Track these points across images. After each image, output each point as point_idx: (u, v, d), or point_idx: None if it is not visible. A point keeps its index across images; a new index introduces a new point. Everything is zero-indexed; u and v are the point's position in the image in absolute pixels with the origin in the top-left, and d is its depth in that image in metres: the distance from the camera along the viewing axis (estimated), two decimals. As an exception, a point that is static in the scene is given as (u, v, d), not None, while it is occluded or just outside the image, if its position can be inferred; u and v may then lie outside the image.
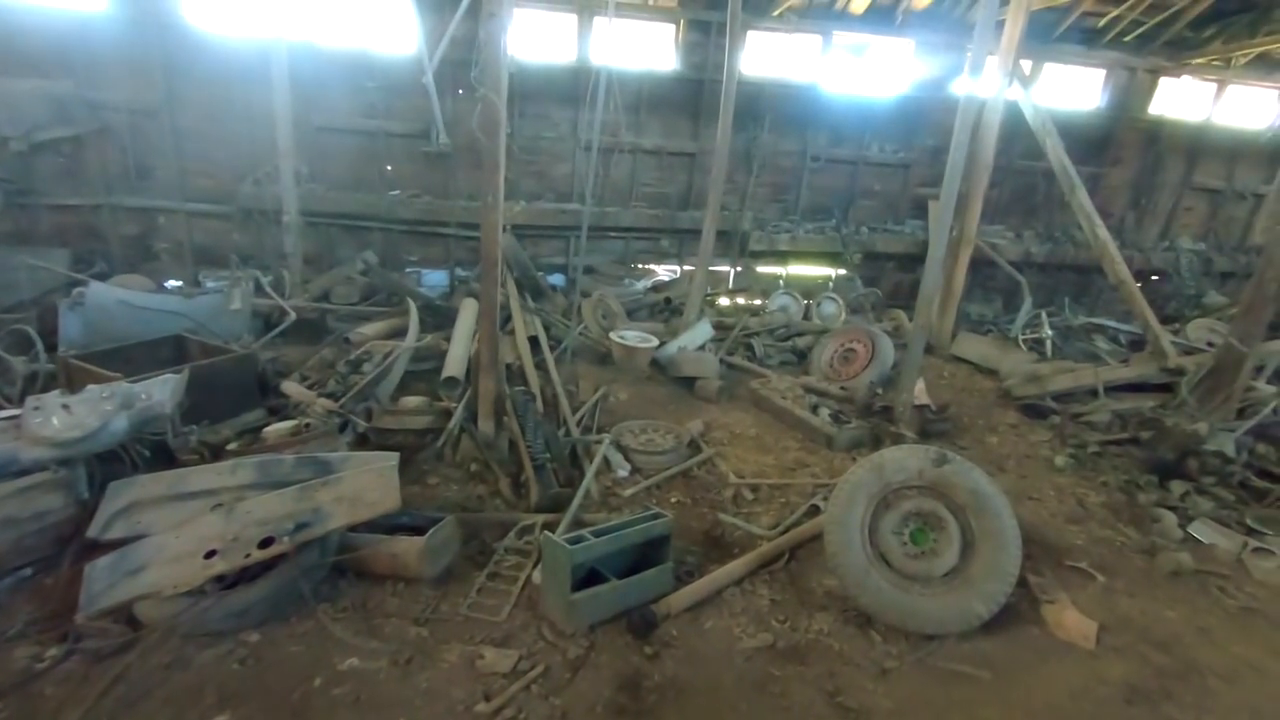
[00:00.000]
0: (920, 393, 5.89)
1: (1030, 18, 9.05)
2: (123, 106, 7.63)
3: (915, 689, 3.00)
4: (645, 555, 3.51)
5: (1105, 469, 5.44)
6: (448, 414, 4.90)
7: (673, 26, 8.66)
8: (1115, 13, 8.86)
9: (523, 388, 5.52)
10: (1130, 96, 10.19)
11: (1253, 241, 11.25)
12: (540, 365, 6.24)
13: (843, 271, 10.05)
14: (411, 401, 4.96)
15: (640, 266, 9.70)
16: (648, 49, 8.83)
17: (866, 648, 3.24)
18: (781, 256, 9.77)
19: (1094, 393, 6.63)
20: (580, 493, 4.19)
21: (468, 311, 6.76)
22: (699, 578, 3.57)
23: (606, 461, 4.76)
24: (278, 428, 4.19)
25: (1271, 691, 3.18)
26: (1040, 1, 7.82)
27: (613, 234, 9.29)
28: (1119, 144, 10.45)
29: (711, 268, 9.98)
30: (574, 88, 8.66)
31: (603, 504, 4.40)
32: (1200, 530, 4.57)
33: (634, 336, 6.70)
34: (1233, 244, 11.24)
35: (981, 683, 3.07)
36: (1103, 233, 7.56)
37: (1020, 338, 8.12)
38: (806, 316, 8.54)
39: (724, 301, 8.99)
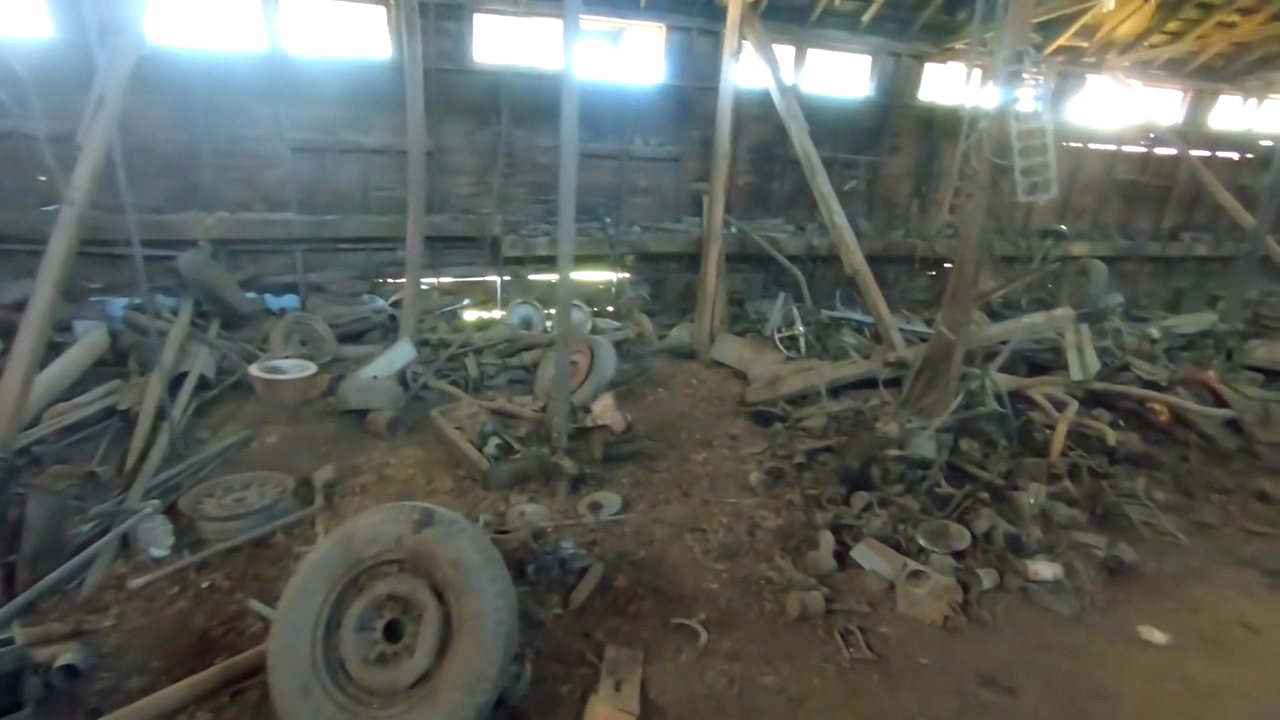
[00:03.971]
0: (604, 411, 5.08)
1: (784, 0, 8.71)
2: None
3: None
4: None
5: (803, 483, 4.80)
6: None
7: (383, 9, 7.63)
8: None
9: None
10: (898, 83, 9.99)
11: (1033, 225, 11.40)
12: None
13: (626, 275, 9.32)
14: None
15: (389, 281, 8.58)
16: (357, 35, 7.77)
17: (282, 808, 2.30)
18: (548, 262, 8.90)
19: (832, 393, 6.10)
20: (29, 594, 3.07)
21: (79, 346, 5.48)
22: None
23: (127, 540, 3.65)
24: None
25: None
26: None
27: (343, 246, 8.13)
28: (894, 132, 10.24)
29: (478, 278, 9.07)
30: (271, 80, 7.49)
31: (95, 601, 3.30)
32: (862, 554, 3.94)
33: (291, 365, 5.60)
34: (1016, 229, 11.33)
35: (414, 847, 2.18)
36: (840, 220, 7.13)
37: (776, 336, 7.57)
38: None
39: (470, 316, 8.03)
